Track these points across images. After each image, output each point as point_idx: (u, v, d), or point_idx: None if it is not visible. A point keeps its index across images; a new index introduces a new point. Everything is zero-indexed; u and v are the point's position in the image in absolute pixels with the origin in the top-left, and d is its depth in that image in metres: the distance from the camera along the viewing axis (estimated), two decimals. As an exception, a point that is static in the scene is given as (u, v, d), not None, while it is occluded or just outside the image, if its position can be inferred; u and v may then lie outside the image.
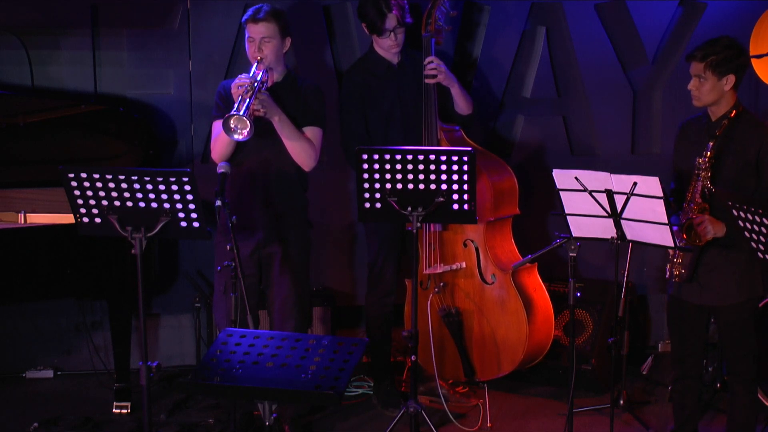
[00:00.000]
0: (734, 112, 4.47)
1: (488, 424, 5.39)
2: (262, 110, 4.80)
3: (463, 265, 5.55)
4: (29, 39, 5.81)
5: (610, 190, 4.40)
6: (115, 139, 5.71)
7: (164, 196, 4.19)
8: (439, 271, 5.54)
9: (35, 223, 5.54)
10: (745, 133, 4.46)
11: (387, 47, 5.41)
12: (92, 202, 4.25)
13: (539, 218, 6.14)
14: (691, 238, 4.41)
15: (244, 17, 4.97)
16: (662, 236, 4.37)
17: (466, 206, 4.65)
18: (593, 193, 4.44)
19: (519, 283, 5.48)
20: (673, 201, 4.63)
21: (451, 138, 5.53)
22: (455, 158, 4.58)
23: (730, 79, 4.43)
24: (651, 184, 4.29)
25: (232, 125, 4.65)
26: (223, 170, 4.60)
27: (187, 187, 4.17)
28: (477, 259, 5.51)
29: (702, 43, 4.46)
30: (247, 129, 4.63)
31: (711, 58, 4.39)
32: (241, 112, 4.62)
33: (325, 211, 6.04)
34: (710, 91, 4.43)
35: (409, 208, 4.66)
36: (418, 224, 4.68)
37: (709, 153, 4.41)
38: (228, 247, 4.53)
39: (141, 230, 4.24)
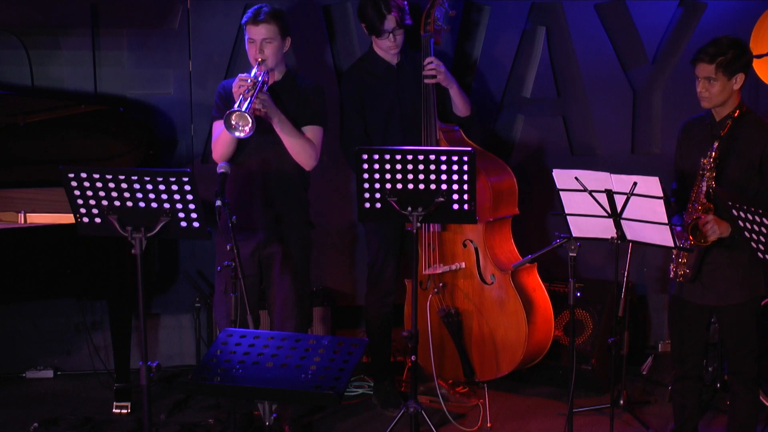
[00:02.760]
0: (737, 111, 4.47)
1: (488, 424, 5.39)
2: (262, 110, 4.80)
3: (463, 265, 5.55)
4: (29, 39, 5.81)
5: (610, 190, 4.40)
6: (115, 139, 5.71)
7: (164, 196, 4.19)
8: (438, 271, 5.54)
9: (35, 223, 5.54)
10: (749, 133, 4.46)
11: (386, 48, 5.42)
12: (92, 202, 4.25)
13: (539, 218, 6.14)
14: (696, 239, 4.41)
15: (244, 18, 4.96)
16: (662, 236, 4.37)
17: (466, 206, 4.65)
18: (593, 193, 4.44)
19: (518, 283, 5.48)
20: (675, 201, 4.64)
21: (451, 138, 5.54)
22: (455, 158, 4.58)
23: (740, 78, 4.43)
24: (651, 184, 4.29)
25: (233, 122, 4.64)
26: (223, 170, 4.59)
27: (187, 187, 4.17)
28: (476, 260, 5.52)
29: (705, 45, 4.45)
30: (249, 125, 4.63)
31: (720, 58, 4.38)
32: (243, 109, 4.62)
33: (326, 212, 6.04)
34: (720, 92, 4.43)
35: (409, 208, 4.66)
36: (418, 224, 4.69)
37: (714, 153, 4.40)
38: (228, 247, 4.52)
39: (141, 230, 4.23)
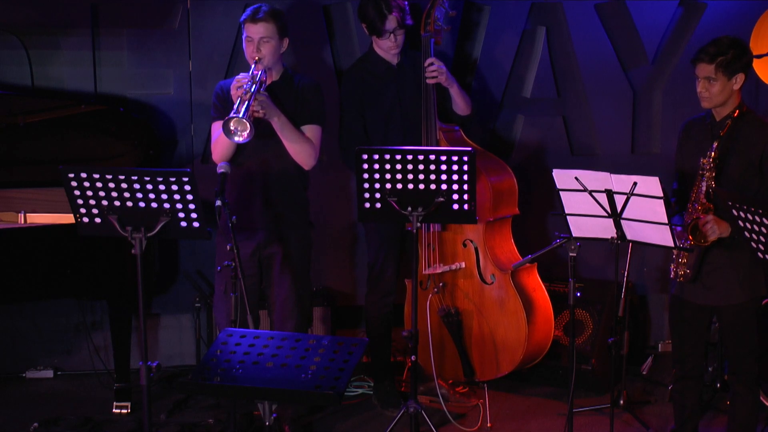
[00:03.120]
0: (737, 111, 4.47)
1: (488, 424, 5.39)
2: (261, 111, 4.79)
3: (463, 265, 5.55)
4: (29, 39, 5.81)
5: (610, 190, 4.40)
6: (115, 139, 5.71)
7: (164, 196, 4.19)
8: (438, 271, 5.54)
9: (35, 223, 5.53)
10: (749, 133, 4.46)
11: (386, 48, 5.41)
12: (92, 202, 4.25)
13: (539, 218, 6.14)
14: (696, 239, 4.41)
15: (243, 17, 4.95)
16: (662, 236, 4.37)
17: (466, 206, 4.65)
18: (593, 193, 4.44)
19: (518, 283, 5.48)
20: (676, 201, 4.64)
21: (451, 138, 5.54)
22: (455, 158, 4.58)
23: (740, 78, 4.43)
24: (651, 184, 4.29)
25: (232, 128, 4.63)
26: (223, 170, 4.59)
27: (187, 187, 4.17)
28: (476, 260, 5.52)
29: (706, 45, 4.45)
30: (248, 131, 4.62)
31: (720, 58, 4.38)
32: (241, 114, 4.61)
33: (326, 212, 6.04)
34: (720, 92, 4.43)
35: (409, 208, 4.66)
36: (418, 224, 4.68)
37: (713, 153, 4.41)
38: (228, 247, 4.52)
39: (141, 230, 4.23)
